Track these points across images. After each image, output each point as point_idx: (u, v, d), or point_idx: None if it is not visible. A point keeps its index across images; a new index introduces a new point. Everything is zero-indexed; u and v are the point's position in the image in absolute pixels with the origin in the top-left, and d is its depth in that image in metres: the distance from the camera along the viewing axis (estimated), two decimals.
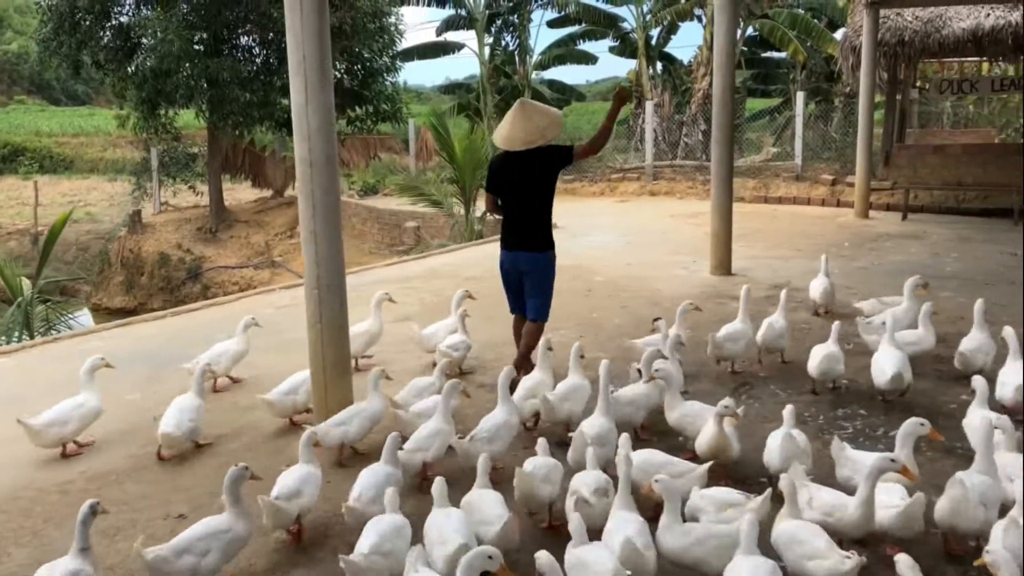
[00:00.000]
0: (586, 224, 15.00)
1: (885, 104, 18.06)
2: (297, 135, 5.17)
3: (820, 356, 5.98)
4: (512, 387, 5.08)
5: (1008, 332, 5.68)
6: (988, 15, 15.34)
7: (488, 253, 12.61)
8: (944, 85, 17.93)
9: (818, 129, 21.24)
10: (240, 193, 25.99)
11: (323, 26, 5.05)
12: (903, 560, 3.22)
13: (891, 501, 3.84)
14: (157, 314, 9.54)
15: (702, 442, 4.62)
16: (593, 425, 4.65)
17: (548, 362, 5.58)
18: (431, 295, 9.69)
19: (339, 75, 22.11)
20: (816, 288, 8.18)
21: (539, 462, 4.24)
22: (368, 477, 4.17)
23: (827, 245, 10.06)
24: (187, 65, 19.34)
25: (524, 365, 5.97)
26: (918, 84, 20.68)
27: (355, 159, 24.28)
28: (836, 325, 6.24)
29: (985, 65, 20.56)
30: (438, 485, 3.92)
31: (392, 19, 22.83)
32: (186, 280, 21.05)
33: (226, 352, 6.49)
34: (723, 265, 10.31)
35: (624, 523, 3.59)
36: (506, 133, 6.15)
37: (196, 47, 19.91)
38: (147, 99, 20.17)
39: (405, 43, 25.16)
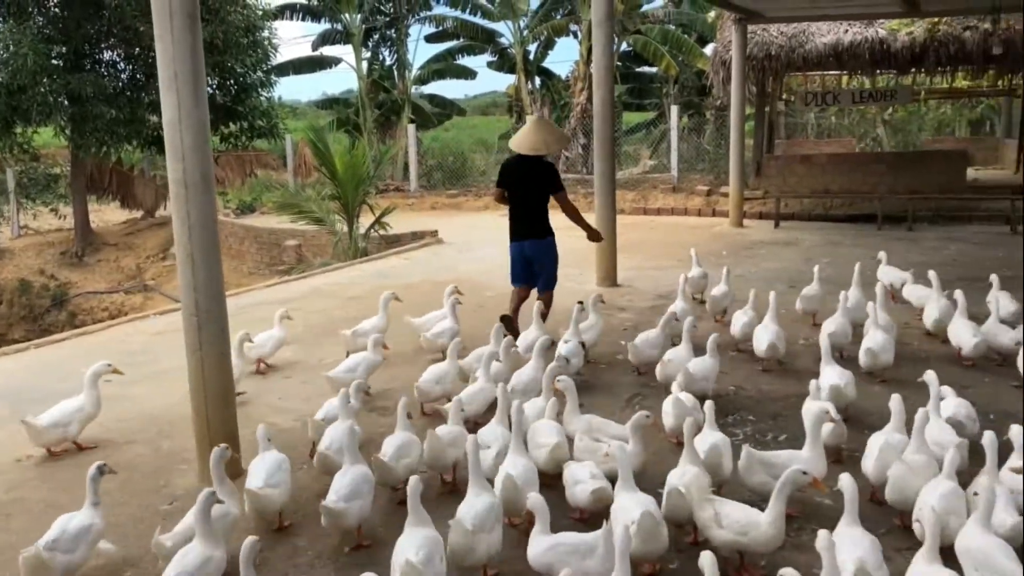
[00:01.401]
0: (472, 238, 14.95)
1: (755, 116, 18.76)
2: (170, 155, 4.90)
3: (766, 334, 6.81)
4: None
5: (869, 306, 6.89)
6: (847, 31, 16.20)
7: (375, 270, 12.40)
8: (809, 97, 18.79)
9: (692, 141, 21.95)
10: (108, 215, 24.77)
11: (195, 41, 4.81)
12: (823, 536, 3.33)
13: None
14: (19, 346, 8.90)
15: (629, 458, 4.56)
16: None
17: (543, 324, 7.02)
18: (316, 315, 9.42)
19: (211, 90, 21.40)
20: (692, 278, 8.86)
21: (449, 429, 4.89)
22: (332, 432, 4.91)
23: (705, 254, 10.32)
24: (44, 80, 18.24)
25: (514, 323, 7.58)
26: (784, 97, 21.63)
27: (230, 177, 23.53)
28: (772, 296, 7.10)
29: (845, 78, 21.68)
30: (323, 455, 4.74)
31: (265, 33, 22.27)
32: (50, 308, 19.84)
33: (271, 338, 7.27)
34: (609, 277, 10.44)
35: (512, 465, 4.32)
36: (520, 139, 7.73)
37: (54, 62, 18.82)
38: (0, 116, 18.95)
39: (279, 58, 24.64)
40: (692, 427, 4.41)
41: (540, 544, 3.67)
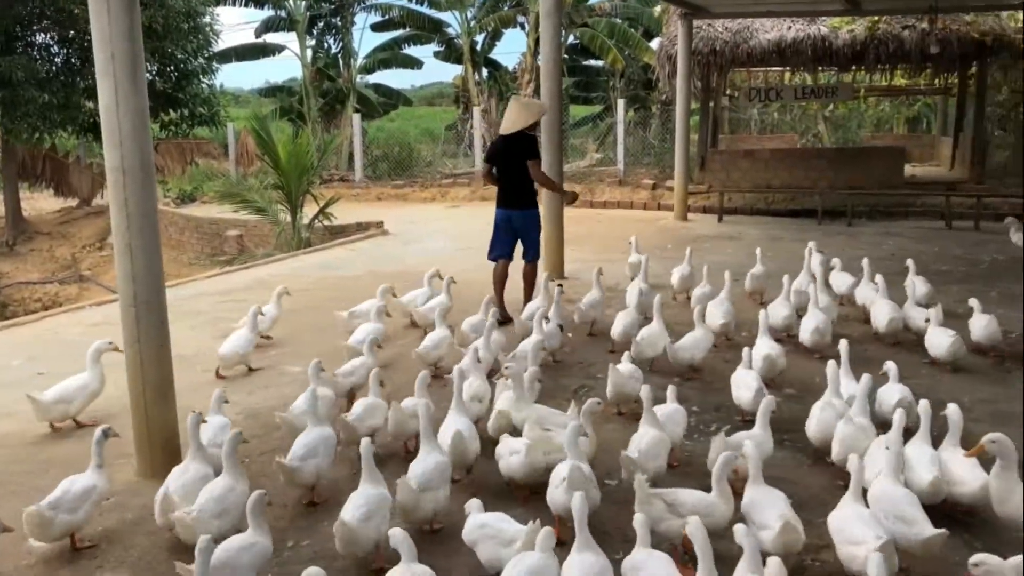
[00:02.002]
0: (419, 230, 14.84)
1: (700, 111, 18.94)
2: (107, 141, 4.74)
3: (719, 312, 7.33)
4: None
5: (811, 288, 7.56)
6: (790, 28, 16.45)
7: (319, 261, 12.24)
8: (752, 93, 19.05)
9: (638, 135, 22.06)
10: (41, 203, 24.10)
11: (134, 22, 4.65)
12: (739, 530, 3.47)
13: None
14: None
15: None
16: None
17: (545, 292, 7.66)
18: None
19: (151, 77, 20.91)
20: (632, 264, 9.21)
21: (415, 400, 5.02)
22: (300, 400, 5.21)
23: (650, 247, 10.37)
24: None
25: (529, 297, 8.31)
26: (728, 92, 21.88)
27: (170, 165, 23.10)
28: (727, 274, 7.79)
29: (787, 74, 22.01)
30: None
31: (207, 19, 21.88)
32: None
33: (268, 315, 7.66)
34: (556, 269, 10.44)
35: (455, 422, 4.76)
36: (503, 121, 8.47)
37: None
38: None
39: (222, 44, 24.21)
40: (650, 393, 4.76)
41: (469, 522, 3.85)
